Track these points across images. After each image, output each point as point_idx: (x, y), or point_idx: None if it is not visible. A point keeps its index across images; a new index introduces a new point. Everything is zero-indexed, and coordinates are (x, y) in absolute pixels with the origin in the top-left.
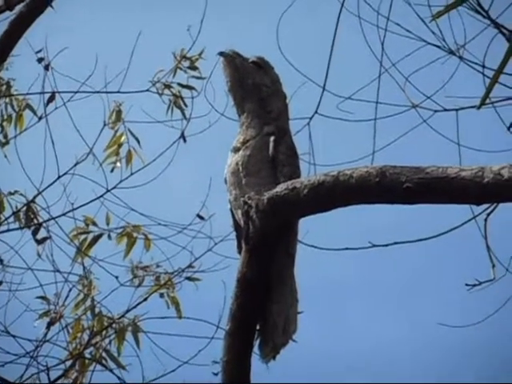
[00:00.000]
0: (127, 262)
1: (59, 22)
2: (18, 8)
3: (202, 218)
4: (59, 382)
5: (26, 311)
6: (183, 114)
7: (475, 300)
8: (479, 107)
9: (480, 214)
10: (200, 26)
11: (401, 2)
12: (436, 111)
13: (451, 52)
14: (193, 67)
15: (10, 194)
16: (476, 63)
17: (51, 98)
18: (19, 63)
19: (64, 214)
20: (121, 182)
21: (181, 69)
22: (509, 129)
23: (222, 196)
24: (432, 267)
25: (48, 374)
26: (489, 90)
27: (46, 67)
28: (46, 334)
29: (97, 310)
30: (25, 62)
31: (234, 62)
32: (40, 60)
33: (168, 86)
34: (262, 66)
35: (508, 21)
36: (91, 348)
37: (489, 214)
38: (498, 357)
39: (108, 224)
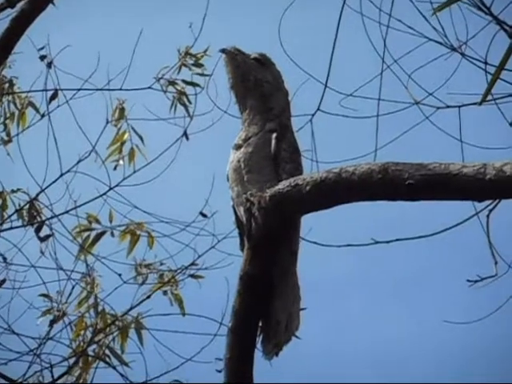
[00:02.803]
0: (130, 260)
1: (61, 20)
2: (20, 5)
3: (204, 215)
4: (62, 379)
5: (29, 309)
6: (187, 110)
7: (479, 297)
8: (480, 103)
9: (482, 210)
10: (202, 22)
11: None
12: (438, 108)
13: (453, 49)
14: (198, 64)
15: (13, 191)
16: (478, 60)
17: (54, 96)
18: (21, 61)
19: (67, 212)
20: (124, 179)
21: (185, 66)
22: (511, 124)
23: (225, 193)
24: (434, 264)
25: (51, 372)
26: (490, 86)
27: (49, 65)
28: (49, 332)
29: (100, 307)
30: (27, 59)
31: (235, 58)
32: (42, 57)
33: (172, 83)
34: (263, 62)
35: (510, 17)
36: (94, 345)
37: (491, 211)
38: (500, 353)
39: (111, 221)
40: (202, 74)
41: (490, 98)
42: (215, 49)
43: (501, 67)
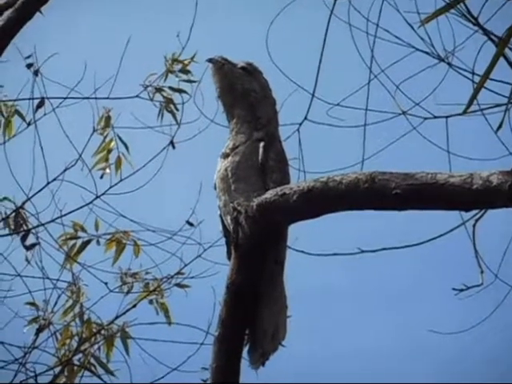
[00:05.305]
0: (116, 269)
1: (48, 28)
2: (7, 14)
3: (191, 224)
4: None
5: (14, 318)
6: (175, 118)
7: (465, 306)
8: (464, 112)
9: (469, 219)
10: (190, 31)
11: (390, 9)
12: (426, 118)
13: (440, 59)
14: (185, 71)
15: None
16: (465, 70)
17: (40, 104)
18: (8, 69)
19: (53, 221)
20: (110, 188)
21: (172, 72)
22: (496, 132)
23: (212, 202)
24: (421, 273)
25: (36, 381)
26: (474, 94)
27: (36, 73)
28: (34, 341)
29: (86, 316)
30: (14, 67)
31: (222, 68)
32: (29, 66)
33: (159, 90)
34: (250, 71)
35: (497, 27)
36: (80, 354)
37: (477, 220)
38: (486, 363)
39: (97, 230)
40: (189, 81)
41: (477, 108)
42: (202, 56)
43: (486, 76)
